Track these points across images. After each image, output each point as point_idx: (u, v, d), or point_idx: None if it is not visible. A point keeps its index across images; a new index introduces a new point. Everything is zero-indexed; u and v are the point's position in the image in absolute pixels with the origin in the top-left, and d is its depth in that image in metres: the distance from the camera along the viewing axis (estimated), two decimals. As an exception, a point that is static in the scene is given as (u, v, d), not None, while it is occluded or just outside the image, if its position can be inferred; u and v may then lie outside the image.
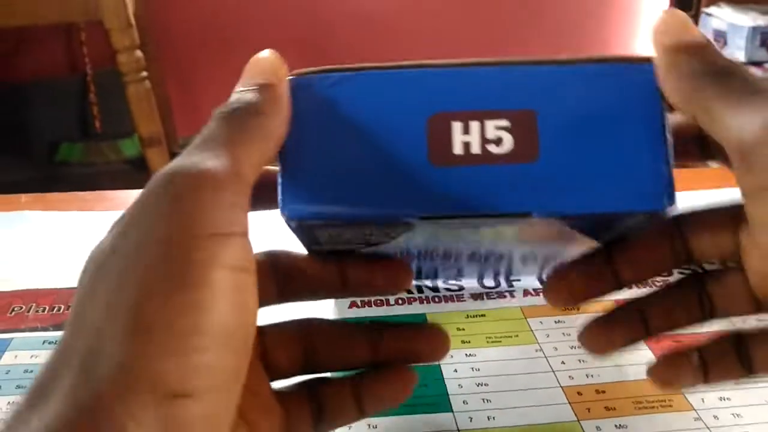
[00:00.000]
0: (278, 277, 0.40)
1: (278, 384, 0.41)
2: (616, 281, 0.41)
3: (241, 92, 0.34)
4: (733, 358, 0.40)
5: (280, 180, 0.35)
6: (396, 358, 0.42)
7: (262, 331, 0.40)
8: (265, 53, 0.36)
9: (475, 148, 0.35)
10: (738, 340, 0.40)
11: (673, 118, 0.36)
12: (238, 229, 0.30)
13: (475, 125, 0.35)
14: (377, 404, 0.41)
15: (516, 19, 3.14)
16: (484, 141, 0.35)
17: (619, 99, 0.35)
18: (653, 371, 0.42)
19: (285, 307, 0.41)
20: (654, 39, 0.35)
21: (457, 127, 0.35)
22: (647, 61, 0.35)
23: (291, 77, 0.36)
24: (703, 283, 0.41)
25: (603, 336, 0.41)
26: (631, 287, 0.41)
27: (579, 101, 0.35)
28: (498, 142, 0.35)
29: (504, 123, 0.35)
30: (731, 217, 0.38)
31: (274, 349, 0.40)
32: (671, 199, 0.35)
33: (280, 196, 0.35)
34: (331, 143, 0.35)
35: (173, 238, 0.28)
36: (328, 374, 0.42)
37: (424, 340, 0.42)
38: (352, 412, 0.41)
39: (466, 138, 0.35)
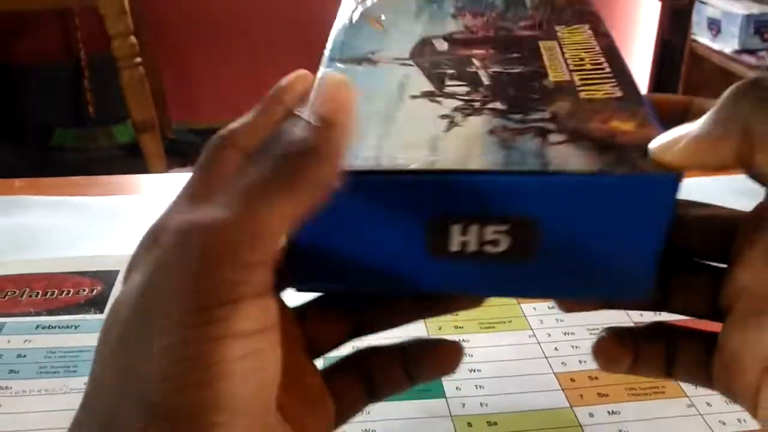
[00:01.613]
0: None
1: (326, 361, 0.41)
2: None
3: (300, 126, 0.30)
4: (660, 355, 0.40)
5: (289, 252, 0.35)
6: (438, 309, 0.42)
7: (303, 315, 0.39)
8: (337, 77, 0.32)
9: (472, 247, 0.35)
10: (671, 337, 0.40)
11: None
12: (251, 290, 0.28)
13: (474, 228, 0.34)
14: (429, 375, 0.42)
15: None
16: (482, 242, 0.35)
17: (629, 209, 0.34)
18: (596, 348, 0.40)
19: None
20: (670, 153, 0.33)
21: (456, 228, 0.35)
22: (666, 171, 0.33)
23: None
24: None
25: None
26: None
27: (584, 211, 0.34)
28: (495, 243, 0.35)
29: (503, 228, 0.34)
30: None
31: (320, 327, 0.40)
32: (653, 284, 0.35)
33: (292, 270, 0.36)
34: (339, 230, 0.35)
35: (182, 317, 0.27)
36: (375, 344, 0.42)
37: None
38: (402, 381, 0.41)
39: (464, 238, 0.35)
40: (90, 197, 0.78)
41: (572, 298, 0.37)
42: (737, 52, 2.64)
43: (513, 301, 0.60)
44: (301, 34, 2.95)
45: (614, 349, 0.40)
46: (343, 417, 0.39)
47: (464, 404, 0.49)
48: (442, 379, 0.51)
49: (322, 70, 0.40)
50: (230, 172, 0.31)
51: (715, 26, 2.75)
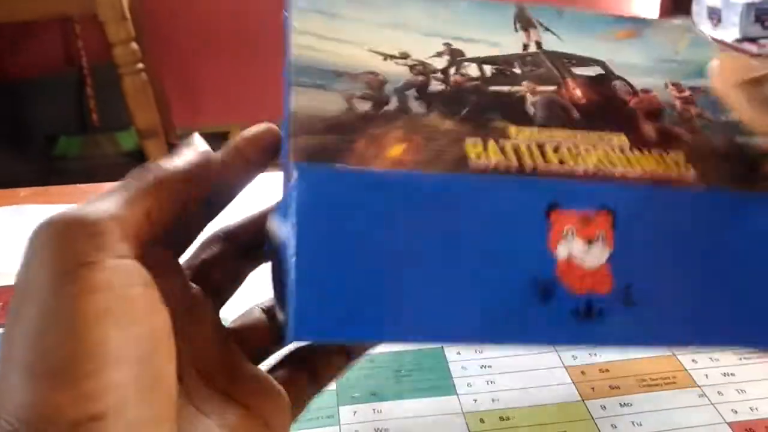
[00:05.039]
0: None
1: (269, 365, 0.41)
2: None
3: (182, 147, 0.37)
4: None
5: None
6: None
7: (236, 331, 0.40)
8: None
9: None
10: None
11: None
12: (109, 254, 0.31)
13: None
14: (362, 348, 0.43)
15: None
16: None
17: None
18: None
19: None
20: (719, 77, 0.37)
21: None
22: None
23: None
24: None
25: None
26: None
27: None
28: None
29: None
30: None
31: (252, 338, 0.41)
32: None
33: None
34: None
35: (48, 282, 0.30)
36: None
37: None
38: (342, 361, 0.42)
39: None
40: (96, 205, 0.77)
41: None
42: (738, 40, 2.63)
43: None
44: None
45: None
46: (294, 412, 0.40)
47: (476, 400, 0.49)
48: (453, 375, 0.51)
49: None
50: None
51: (715, 15, 2.75)
